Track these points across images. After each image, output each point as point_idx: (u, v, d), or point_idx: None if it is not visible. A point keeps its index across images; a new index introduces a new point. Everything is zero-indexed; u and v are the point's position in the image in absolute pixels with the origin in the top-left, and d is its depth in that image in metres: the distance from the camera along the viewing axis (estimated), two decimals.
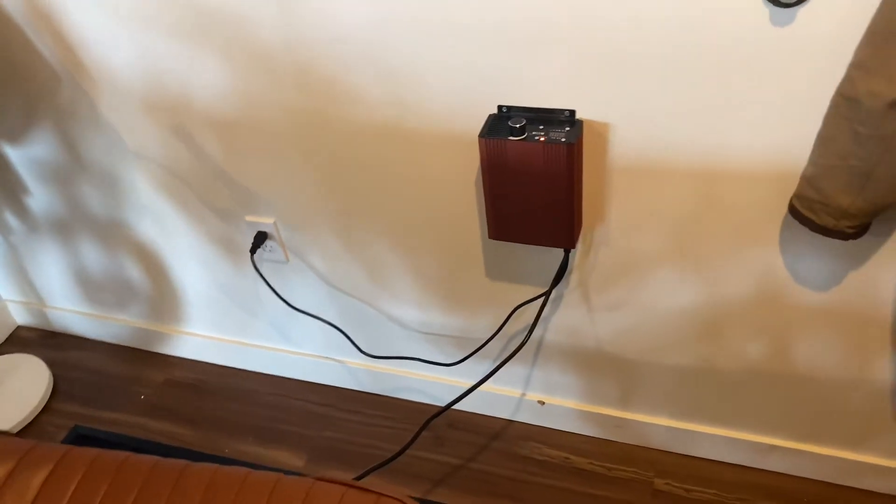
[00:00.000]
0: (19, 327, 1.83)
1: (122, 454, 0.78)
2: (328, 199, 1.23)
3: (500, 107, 0.99)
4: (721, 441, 1.31)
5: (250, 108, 1.14)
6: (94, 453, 0.78)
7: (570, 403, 1.39)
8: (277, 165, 1.21)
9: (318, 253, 1.33)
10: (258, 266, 1.40)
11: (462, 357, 1.37)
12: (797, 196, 0.90)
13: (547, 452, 1.41)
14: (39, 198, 1.48)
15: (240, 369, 1.65)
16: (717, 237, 1.03)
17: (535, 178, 0.97)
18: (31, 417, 1.58)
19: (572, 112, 0.96)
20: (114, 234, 1.47)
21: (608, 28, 0.87)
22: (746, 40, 0.83)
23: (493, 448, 1.43)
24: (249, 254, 1.34)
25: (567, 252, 1.10)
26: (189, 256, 1.45)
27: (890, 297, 1.01)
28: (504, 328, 1.30)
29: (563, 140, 0.93)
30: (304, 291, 1.41)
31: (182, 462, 0.76)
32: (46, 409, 1.61)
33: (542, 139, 0.93)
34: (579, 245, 1.12)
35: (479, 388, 1.23)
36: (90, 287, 1.64)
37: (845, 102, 0.79)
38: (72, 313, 1.72)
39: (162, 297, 1.58)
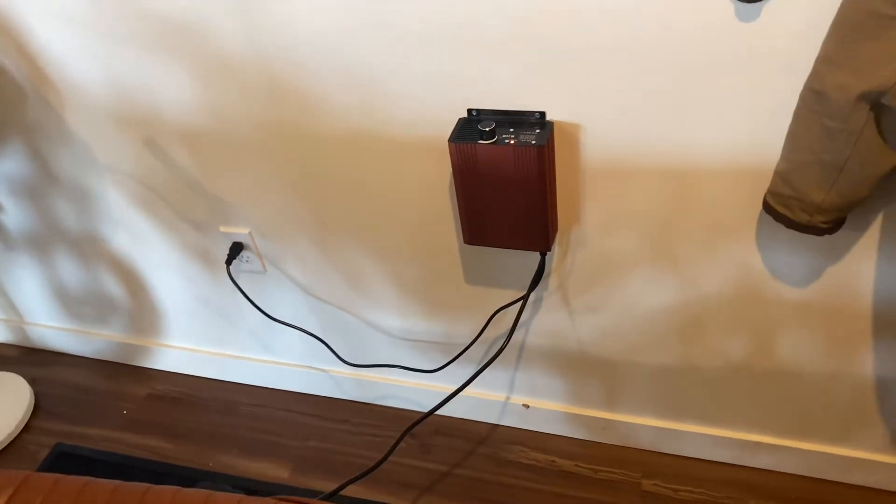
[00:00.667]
0: None
1: (81, 479, 0.76)
2: (302, 208, 1.21)
3: (469, 110, 0.98)
4: (707, 440, 1.30)
5: (221, 121, 1.12)
6: (53, 479, 0.76)
7: (555, 406, 1.38)
8: (250, 176, 1.19)
9: (296, 262, 1.31)
10: (235, 277, 1.38)
11: (444, 363, 1.36)
12: (771, 192, 0.89)
13: (533, 456, 1.40)
14: (13, 214, 1.46)
15: (222, 381, 1.63)
16: (694, 235, 1.02)
17: (506, 182, 0.95)
18: (14, 436, 1.56)
19: (542, 114, 0.95)
20: (90, 248, 1.46)
21: (575, 27, 0.86)
22: (713, 36, 0.82)
23: (480, 453, 1.42)
24: (225, 265, 1.33)
25: (543, 255, 1.08)
26: (166, 269, 1.43)
27: (869, 290, 1.01)
28: (485, 333, 1.29)
29: (534, 142, 0.91)
30: (284, 301, 1.40)
31: (143, 486, 0.74)
32: (28, 427, 1.58)
33: (512, 142, 0.92)
34: (556, 247, 1.11)
35: (463, 393, 1.22)
36: (69, 302, 1.62)
37: (813, 97, 0.78)
38: (51, 329, 1.70)
39: (141, 310, 1.56)
